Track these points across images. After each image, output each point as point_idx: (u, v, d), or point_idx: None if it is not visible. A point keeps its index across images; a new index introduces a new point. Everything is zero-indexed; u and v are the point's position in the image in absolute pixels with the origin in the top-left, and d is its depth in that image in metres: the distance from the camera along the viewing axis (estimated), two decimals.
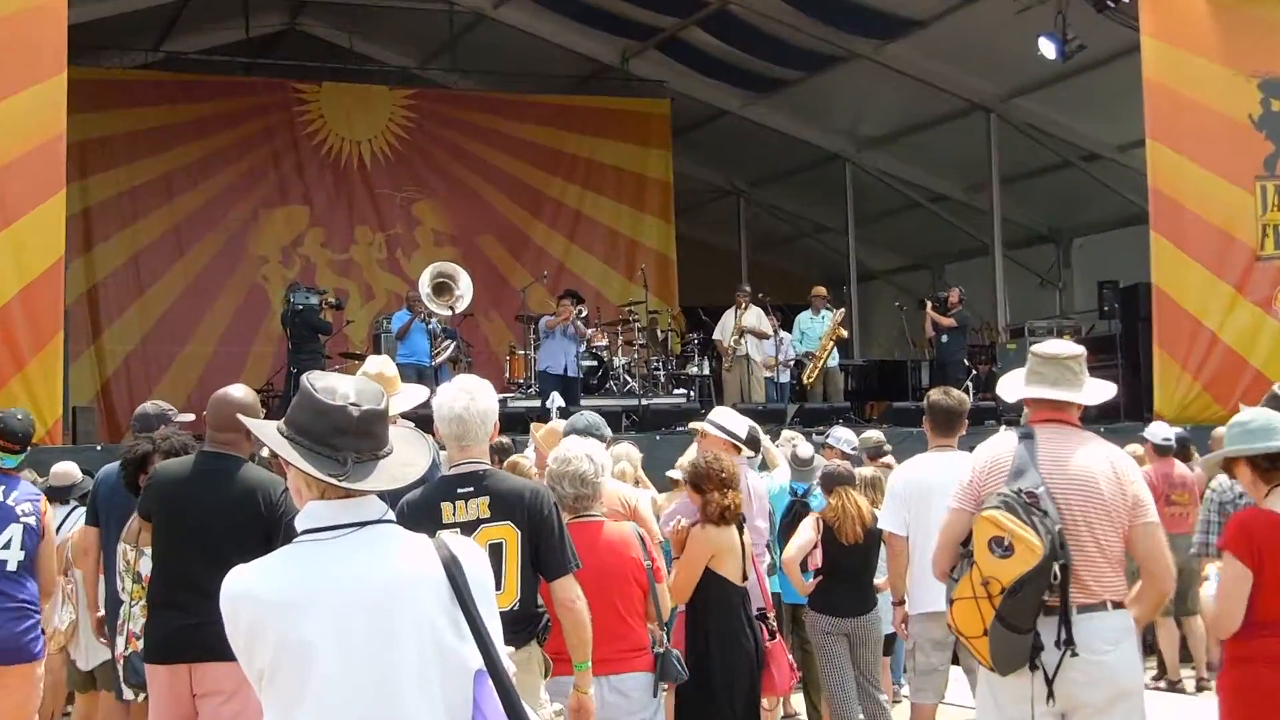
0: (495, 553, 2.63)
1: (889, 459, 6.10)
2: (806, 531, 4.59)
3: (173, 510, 3.02)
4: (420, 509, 2.67)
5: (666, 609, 3.17)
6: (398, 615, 1.57)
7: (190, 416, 4.05)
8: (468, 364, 10.74)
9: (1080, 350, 2.84)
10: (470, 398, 2.69)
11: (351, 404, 1.64)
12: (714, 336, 11.23)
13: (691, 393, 11.24)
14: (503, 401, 8.46)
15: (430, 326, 9.58)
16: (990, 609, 2.52)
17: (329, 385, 1.66)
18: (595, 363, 10.82)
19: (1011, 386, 2.87)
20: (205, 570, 2.69)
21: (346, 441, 1.62)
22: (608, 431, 4.04)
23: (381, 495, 1.68)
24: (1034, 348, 2.89)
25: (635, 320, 11.38)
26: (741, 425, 4.40)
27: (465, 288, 9.49)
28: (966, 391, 7.86)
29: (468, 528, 2.66)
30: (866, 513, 4.57)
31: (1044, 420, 2.77)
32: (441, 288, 9.50)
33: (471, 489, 2.69)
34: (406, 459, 1.67)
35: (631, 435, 8.25)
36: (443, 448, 2.86)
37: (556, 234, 14.02)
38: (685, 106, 14.11)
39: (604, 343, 11.17)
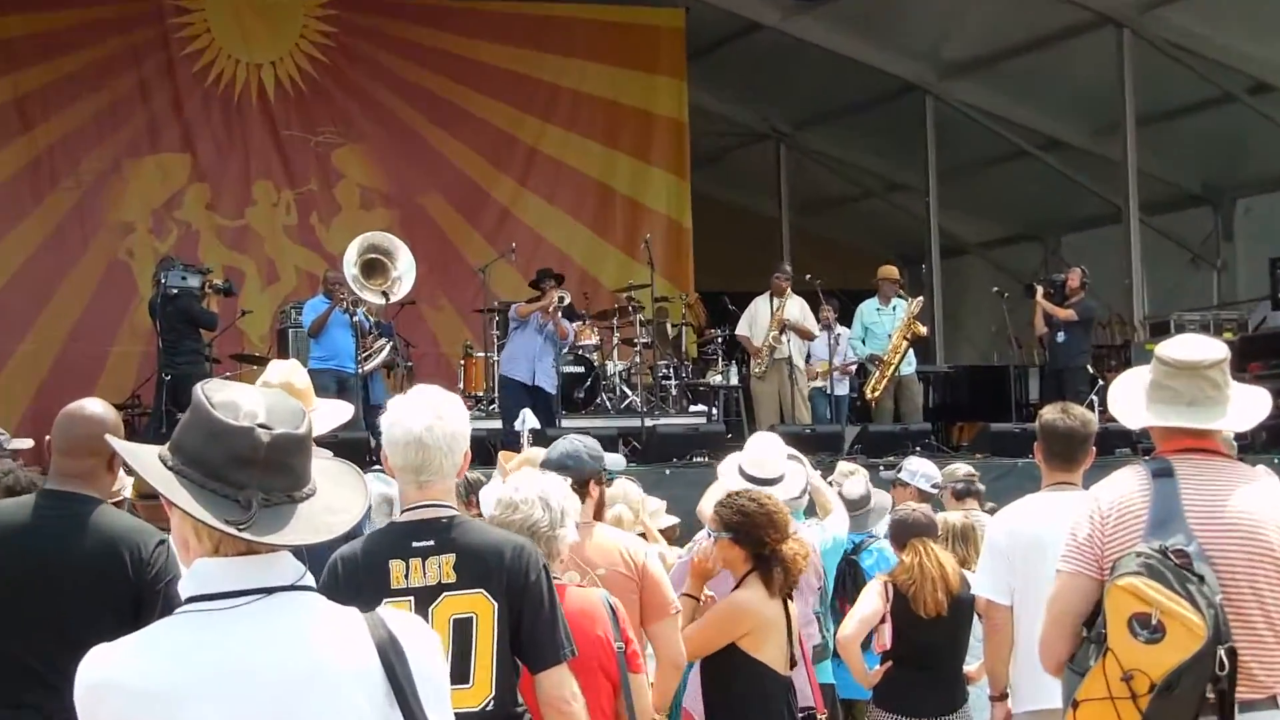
0: (462, 631, 2.63)
1: (983, 502, 6.13)
2: (871, 601, 4.57)
3: (4, 573, 2.92)
4: (359, 569, 2.68)
5: (646, 713, 3.12)
6: (311, 717, 1.55)
7: (27, 443, 4.20)
8: (407, 370, 10.98)
9: (1222, 353, 2.77)
10: (436, 415, 2.70)
11: (261, 425, 1.60)
12: (741, 333, 11.36)
13: (713, 410, 11.49)
14: None
15: (357, 319, 9.65)
16: (1135, 713, 2.48)
17: (230, 400, 1.62)
18: (581, 368, 10.94)
19: (1128, 404, 2.81)
20: (52, 653, 2.67)
21: (252, 477, 1.58)
22: (611, 462, 4.04)
23: (299, 552, 1.66)
24: (1159, 350, 2.82)
25: (636, 311, 11.44)
26: (772, 456, 4.46)
27: (405, 266, 9.55)
28: (1091, 408, 7.84)
29: (425, 595, 2.65)
30: (953, 575, 4.57)
31: (1182, 449, 2.73)
32: (373, 267, 9.56)
33: (432, 542, 2.68)
34: (333, 503, 1.65)
35: (632, 468, 8.35)
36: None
37: (530, 193, 14.15)
38: (706, 17, 14.03)
39: (593, 341, 11.29)
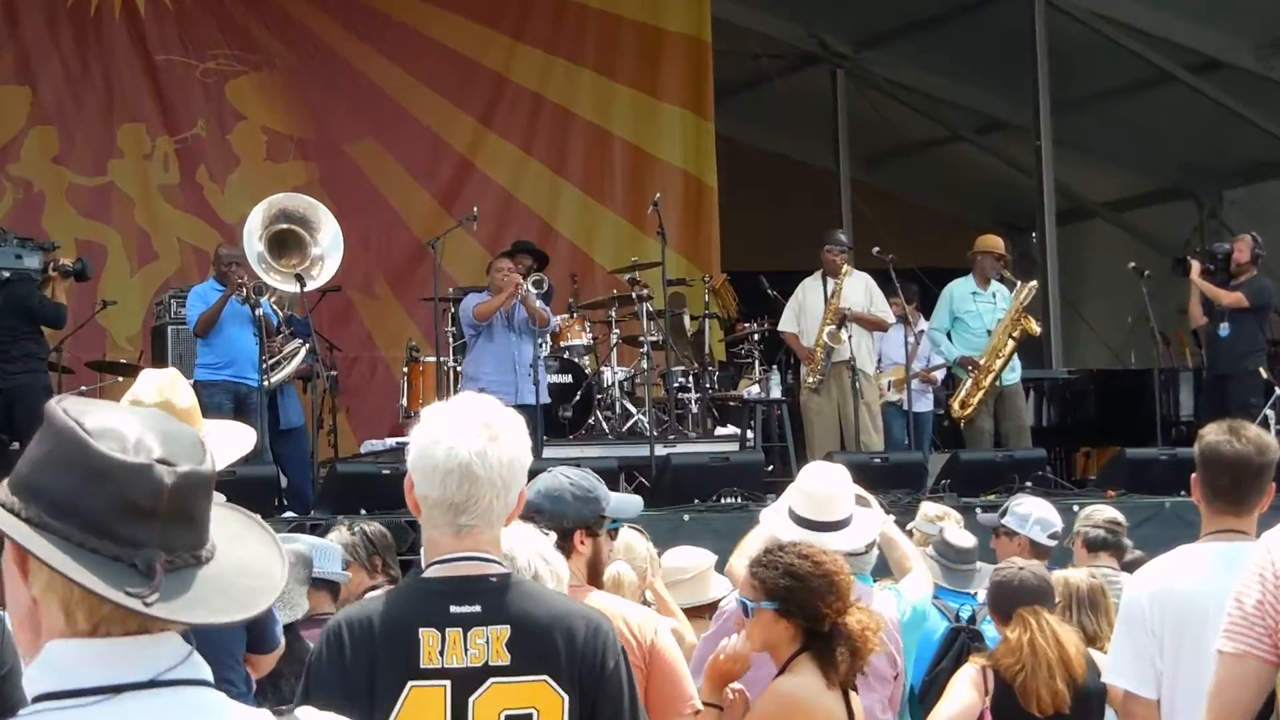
0: None
1: (1123, 557, 6.17)
2: (963, 695, 4.62)
3: None
4: (375, 638, 2.71)
5: None
6: None
7: None
8: (330, 382, 11.33)
9: None
10: (490, 437, 2.73)
11: (161, 462, 1.60)
12: (785, 328, 11.49)
13: (749, 433, 11.57)
14: (400, 450, 9.17)
15: (262, 313, 9.68)
16: None
17: (109, 426, 1.60)
18: (569, 377, 11.15)
19: None
20: None
21: (152, 532, 1.58)
22: (619, 505, 4.04)
23: (187, 635, 1.68)
24: None
25: (643, 300, 11.50)
26: (831, 495, 4.49)
27: (328, 241, 9.64)
28: (1267, 426, 8.01)
29: (467, 681, 2.67)
30: (1076, 657, 4.57)
31: None
32: (284, 241, 9.63)
33: (478, 608, 2.70)
34: (247, 564, 1.66)
35: (638, 513, 8.40)
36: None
37: (497, 139, 14.26)
38: None
39: (584, 340, 11.52)
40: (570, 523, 3.67)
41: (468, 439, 2.67)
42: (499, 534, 2.77)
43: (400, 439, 10.08)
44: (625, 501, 4.20)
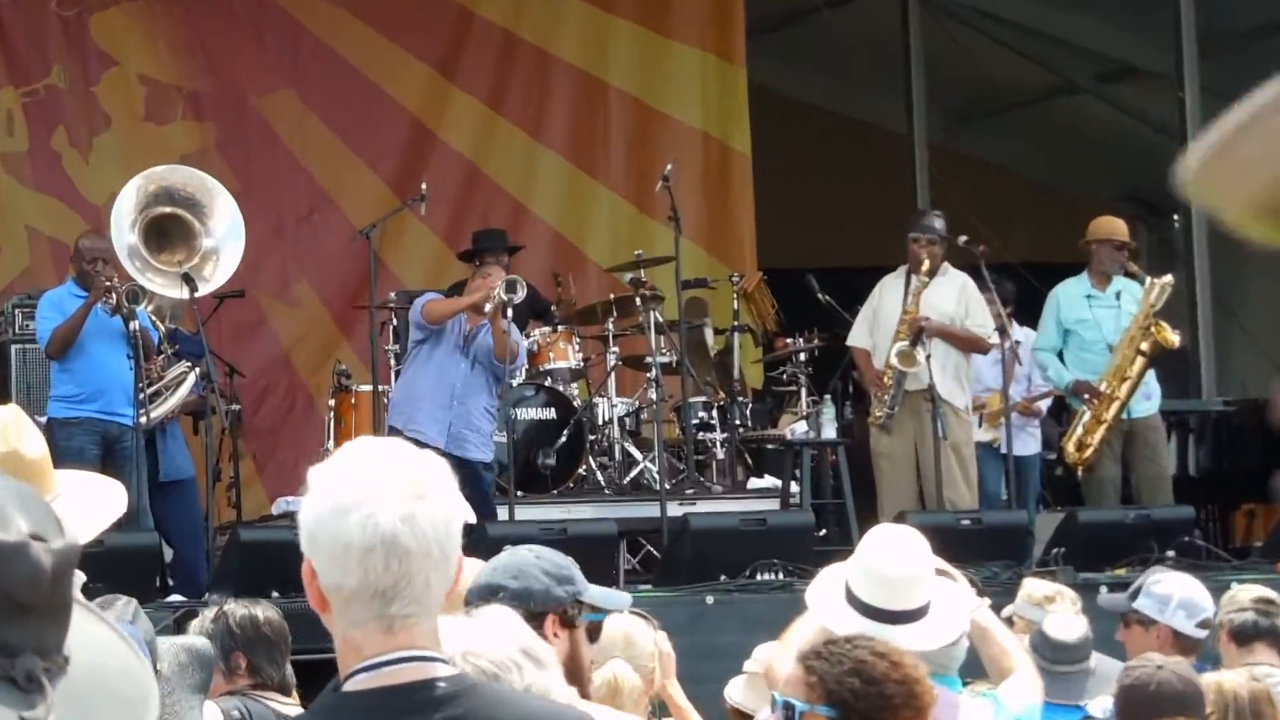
0: None
1: None
2: None
3: None
4: None
5: None
6: None
7: None
8: (231, 418, 11.41)
9: None
10: (416, 494, 2.75)
11: (35, 538, 1.66)
12: (854, 342, 11.58)
13: (793, 486, 11.57)
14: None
15: (138, 326, 9.69)
16: None
17: None
18: (551, 411, 11.44)
19: None
20: None
21: (27, 632, 1.64)
22: (603, 596, 4.11)
23: None
24: None
25: (650, 307, 11.78)
26: (904, 571, 4.55)
27: (225, 229, 9.71)
28: None
29: None
30: None
31: None
32: (166, 229, 9.70)
33: None
34: (104, 663, 1.70)
35: (644, 594, 8.46)
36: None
37: (459, 93, 14.49)
38: None
39: (572, 361, 11.77)
40: (539, 605, 3.71)
41: (388, 502, 2.65)
42: (436, 623, 2.75)
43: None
44: (613, 595, 4.22)
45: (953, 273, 11.33)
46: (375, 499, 2.65)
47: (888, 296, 11.32)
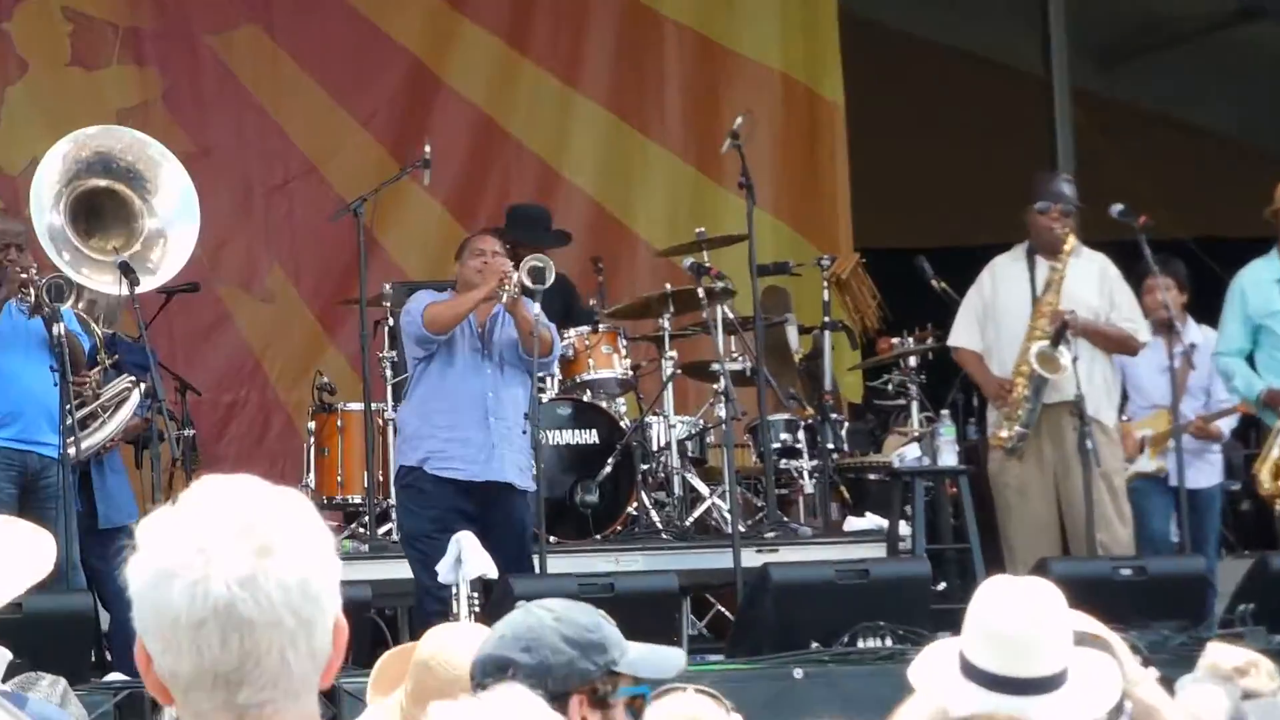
0: None
1: None
2: None
3: None
4: None
5: None
6: None
7: None
8: (185, 446, 11.61)
9: None
10: (257, 548, 2.72)
11: None
12: (958, 342, 11.64)
13: (902, 526, 11.70)
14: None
15: (63, 331, 9.69)
16: None
17: None
18: (592, 433, 11.59)
19: None
20: None
21: None
22: (641, 660, 4.16)
23: None
24: None
25: (719, 299, 11.84)
26: (1038, 631, 4.53)
27: (173, 206, 9.77)
28: None
29: None
30: None
31: None
32: (98, 207, 9.80)
33: None
34: None
35: (714, 667, 8.72)
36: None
37: (473, 28, 14.58)
38: None
39: (618, 370, 11.88)
40: (559, 683, 3.80)
41: (222, 563, 2.64)
42: (314, 706, 2.73)
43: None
44: (657, 656, 4.23)
45: (1087, 253, 11.44)
46: (206, 560, 2.64)
47: (1005, 283, 11.37)
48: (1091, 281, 11.23)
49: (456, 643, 4.57)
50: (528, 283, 10.22)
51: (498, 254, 10.42)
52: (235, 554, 2.61)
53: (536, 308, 10.31)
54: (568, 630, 3.83)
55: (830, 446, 11.91)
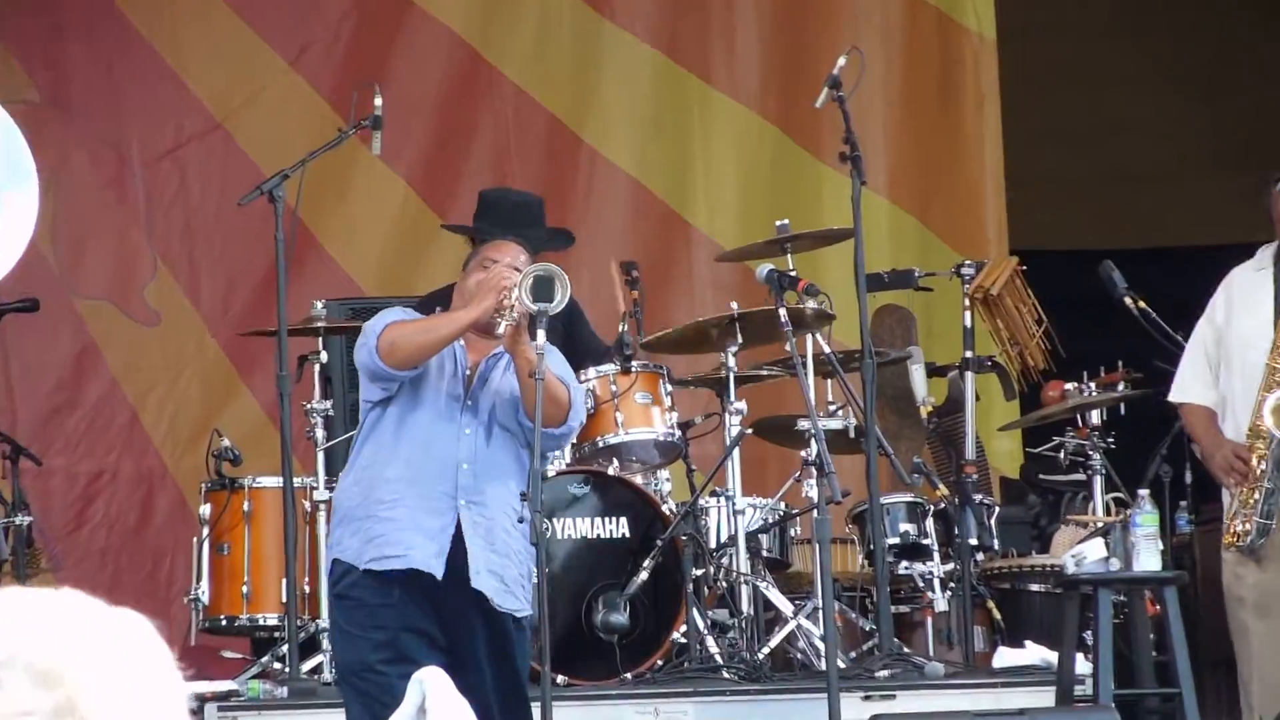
0: None
1: None
2: None
3: None
4: None
5: None
6: None
7: None
8: (21, 541, 11.85)
9: None
10: (50, 710, 2.80)
11: None
12: (1182, 397, 11.54)
13: (1081, 660, 11.44)
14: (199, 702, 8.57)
15: None
16: None
17: None
18: (622, 523, 11.53)
19: None
20: None
21: None
22: None
23: None
24: None
25: (809, 322, 11.64)
26: None
27: None
28: None
29: None
30: None
31: None
32: None
33: None
34: None
35: None
36: None
37: None
38: None
39: (662, 429, 11.91)
40: None
41: None
42: None
43: (207, 679, 9.71)
44: None
45: None
46: None
47: (1246, 304, 11.16)
48: None
49: None
50: (528, 301, 9.66)
51: (514, 267, 9.90)
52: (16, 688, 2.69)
53: (542, 339, 9.82)
54: None
55: (973, 543, 11.62)
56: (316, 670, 10.83)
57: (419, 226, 12.39)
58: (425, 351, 9.95)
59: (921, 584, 11.70)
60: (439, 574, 9.74)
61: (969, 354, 12.31)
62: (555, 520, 10.81)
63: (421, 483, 10.00)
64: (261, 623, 11.56)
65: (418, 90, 12.83)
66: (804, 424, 11.12)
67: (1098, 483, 11.87)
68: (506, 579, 9.89)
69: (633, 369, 11.45)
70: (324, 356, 11.18)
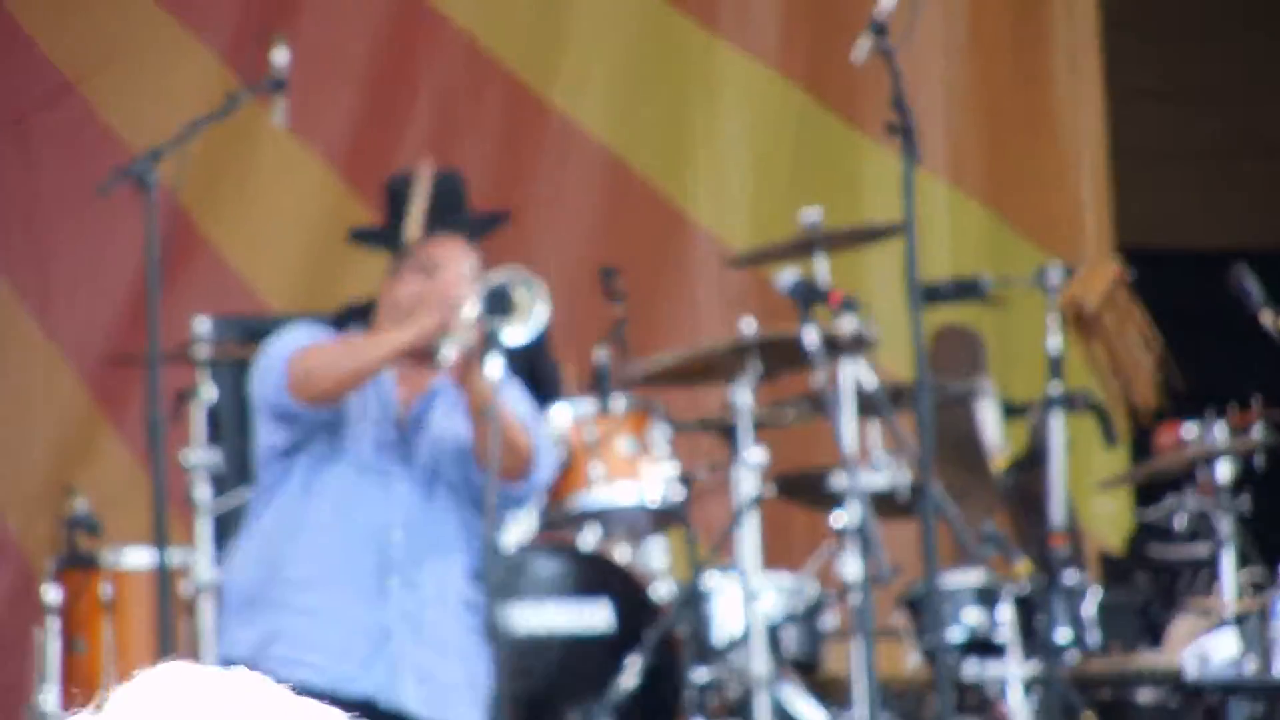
0: None
1: None
2: None
3: None
4: None
5: None
6: None
7: None
8: None
9: None
10: None
11: None
12: None
13: None
14: None
15: None
16: None
17: None
18: (603, 613, 12.55)
19: None
20: None
21: None
22: None
23: None
24: None
25: (848, 346, 11.93)
26: None
27: None
28: None
29: None
30: None
31: None
32: None
33: None
34: None
35: None
36: None
37: None
38: None
39: (659, 485, 12.66)
40: None
41: None
42: None
43: None
44: None
45: None
46: None
47: None
48: None
49: None
50: (483, 321, 9.98)
51: (461, 273, 10.07)
52: None
53: (498, 368, 10.01)
54: None
55: (1063, 638, 11.69)
56: None
57: (342, 220, 12.30)
58: (349, 382, 10.24)
59: (995, 691, 11.37)
60: (350, 692, 10.04)
61: (1057, 388, 11.89)
62: (517, 607, 10.47)
63: (343, 558, 10.35)
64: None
65: (338, 42, 12.93)
66: (839, 481, 10.89)
67: (1227, 558, 11.61)
68: (441, 682, 10.09)
69: (619, 407, 11.04)
70: (211, 392, 11.06)
